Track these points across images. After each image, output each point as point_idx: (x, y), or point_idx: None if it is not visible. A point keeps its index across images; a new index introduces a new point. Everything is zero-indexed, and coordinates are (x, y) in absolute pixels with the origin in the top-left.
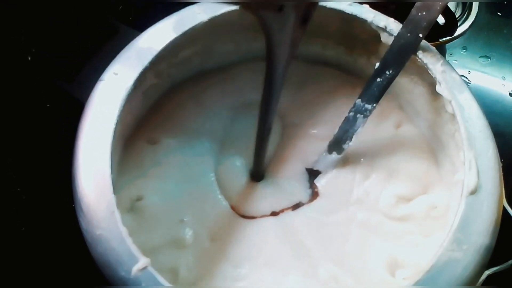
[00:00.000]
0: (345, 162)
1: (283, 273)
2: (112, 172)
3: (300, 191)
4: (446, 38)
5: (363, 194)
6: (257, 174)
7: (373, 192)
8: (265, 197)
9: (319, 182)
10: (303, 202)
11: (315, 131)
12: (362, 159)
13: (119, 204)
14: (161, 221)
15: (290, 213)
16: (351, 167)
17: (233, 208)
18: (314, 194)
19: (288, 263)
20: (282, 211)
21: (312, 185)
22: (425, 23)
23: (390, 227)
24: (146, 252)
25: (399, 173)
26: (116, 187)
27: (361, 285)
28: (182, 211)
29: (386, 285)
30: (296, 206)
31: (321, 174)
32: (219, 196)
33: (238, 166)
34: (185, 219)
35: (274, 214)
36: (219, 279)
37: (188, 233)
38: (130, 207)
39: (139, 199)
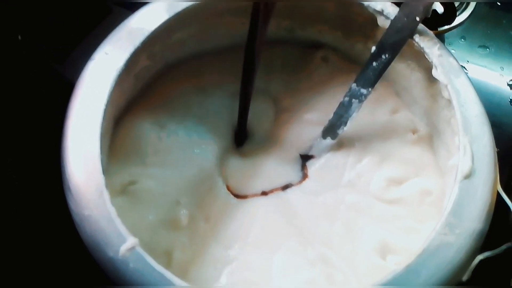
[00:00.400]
0: (339, 146)
1: (272, 252)
2: (101, 153)
3: (291, 173)
4: (444, 27)
5: (355, 177)
6: (240, 136)
7: (365, 175)
8: (257, 176)
9: (311, 165)
10: (293, 183)
11: (308, 116)
12: (356, 144)
13: (112, 187)
14: (157, 202)
15: (280, 193)
16: (345, 151)
17: (228, 188)
18: (304, 176)
19: (277, 242)
20: (271, 191)
21: (303, 168)
22: (422, 7)
23: (381, 210)
24: (139, 233)
25: (392, 158)
26: (109, 171)
27: (349, 267)
28: (178, 194)
29: (375, 268)
30: (286, 187)
31: (314, 158)
32: (218, 178)
33: (234, 148)
34: (181, 200)
35: (264, 193)
36: (210, 262)
37: (184, 215)
38: (123, 190)
39: (133, 183)
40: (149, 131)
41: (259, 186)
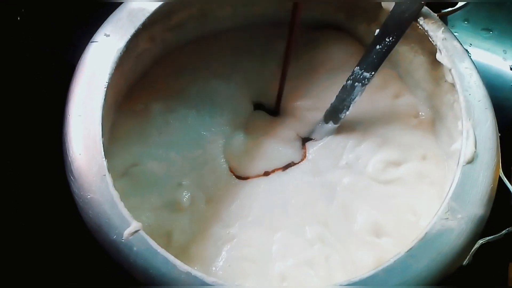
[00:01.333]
0: (339, 130)
1: (271, 231)
2: (103, 136)
3: (293, 153)
4: (448, 10)
5: (353, 159)
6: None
7: (363, 157)
8: (259, 157)
9: (311, 146)
10: (295, 162)
11: (310, 101)
12: (356, 127)
13: (114, 169)
14: (159, 184)
15: (280, 173)
16: (345, 135)
17: (230, 169)
18: (303, 156)
19: (277, 221)
20: (273, 171)
21: (303, 148)
22: None
23: (376, 192)
24: (141, 215)
25: (391, 141)
26: (111, 152)
27: (345, 248)
28: (181, 175)
29: (369, 249)
30: (288, 166)
31: (315, 140)
32: (221, 160)
33: (237, 133)
34: (183, 182)
35: (266, 174)
36: (210, 240)
37: (186, 196)
38: (125, 172)
39: (135, 164)
40: (156, 114)
41: (261, 167)
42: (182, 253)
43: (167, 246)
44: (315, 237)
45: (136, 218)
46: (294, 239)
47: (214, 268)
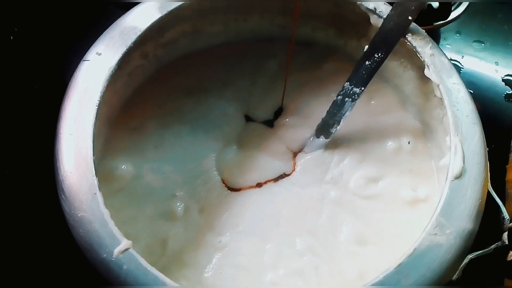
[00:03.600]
0: (328, 144)
1: (262, 241)
2: (94, 154)
3: (284, 165)
4: (440, 22)
5: (337, 174)
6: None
7: (346, 172)
8: (251, 170)
9: (300, 158)
10: (287, 173)
11: (302, 117)
12: (344, 143)
13: (110, 182)
14: (154, 196)
15: (272, 184)
16: (331, 149)
17: (223, 181)
18: (293, 168)
19: (268, 232)
20: (265, 182)
21: (293, 159)
22: (414, 6)
23: (359, 206)
24: (136, 225)
25: (374, 156)
26: (108, 167)
27: (333, 259)
28: (175, 187)
29: (355, 260)
30: (279, 178)
31: (305, 153)
32: (214, 172)
33: (230, 146)
34: (177, 194)
35: (259, 185)
36: (202, 248)
37: (180, 207)
38: (123, 184)
39: (132, 177)
40: (151, 130)
41: (254, 179)
42: (176, 260)
43: (162, 253)
44: (305, 248)
45: (132, 227)
46: (285, 250)
47: (206, 275)
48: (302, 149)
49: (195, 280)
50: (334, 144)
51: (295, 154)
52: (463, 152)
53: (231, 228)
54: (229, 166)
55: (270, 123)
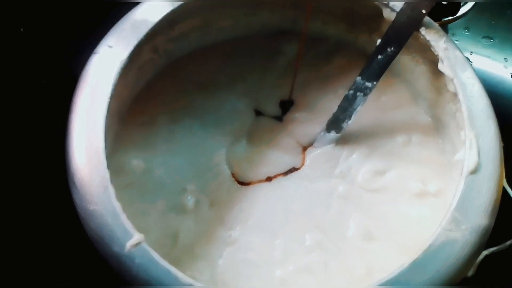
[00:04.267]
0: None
1: (272, 236)
2: (106, 147)
3: (294, 158)
4: (448, 18)
5: (346, 169)
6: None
7: (354, 167)
8: (261, 163)
9: (310, 152)
10: (296, 167)
11: (313, 113)
12: (356, 137)
13: (120, 179)
14: (165, 190)
15: (281, 178)
16: (340, 144)
17: (233, 175)
18: (302, 162)
19: (277, 227)
20: (275, 176)
21: (303, 153)
22: None
23: (366, 200)
24: (147, 219)
25: (382, 150)
26: (120, 162)
27: (342, 254)
28: (186, 181)
29: (363, 255)
30: (289, 172)
31: (315, 147)
32: (224, 166)
33: (240, 140)
34: (188, 187)
35: (269, 179)
36: (212, 242)
37: (190, 200)
38: (134, 179)
39: (144, 171)
40: (162, 125)
41: (263, 173)
42: (188, 252)
43: (173, 246)
44: (314, 243)
45: (144, 221)
46: (294, 245)
47: (217, 269)
48: (311, 143)
49: (207, 273)
50: (344, 139)
51: (304, 149)
52: (478, 147)
53: (241, 223)
54: (239, 160)
55: (280, 118)
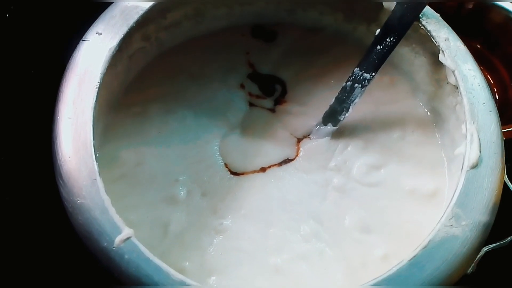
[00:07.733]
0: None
1: (266, 225)
2: (94, 138)
3: (287, 149)
4: None
5: (341, 162)
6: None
7: (349, 160)
8: (255, 154)
9: (304, 144)
10: (290, 158)
11: (308, 106)
12: (353, 130)
13: (112, 170)
14: (156, 181)
15: (276, 169)
16: (335, 137)
17: (226, 166)
18: (297, 153)
19: (271, 216)
20: (269, 167)
21: (297, 144)
22: None
23: (361, 193)
24: (138, 210)
25: (377, 144)
26: (109, 153)
27: (337, 245)
28: (178, 172)
29: (358, 246)
30: (283, 163)
31: (309, 139)
32: (217, 157)
33: (233, 131)
34: (180, 178)
35: (263, 169)
36: (203, 230)
37: (182, 191)
38: (125, 171)
39: (135, 163)
40: (154, 115)
41: (257, 163)
42: (178, 242)
43: (164, 236)
44: (310, 233)
45: (134, 213)
46: (289, 234)
47: (207, 256)
48: (305, 135)
49: (197, 261)
50: (340, 132)
51: (299, 140)
52: (480, 140)
53: (233, 212)
54: (233, 150)
55: (273, 110)
